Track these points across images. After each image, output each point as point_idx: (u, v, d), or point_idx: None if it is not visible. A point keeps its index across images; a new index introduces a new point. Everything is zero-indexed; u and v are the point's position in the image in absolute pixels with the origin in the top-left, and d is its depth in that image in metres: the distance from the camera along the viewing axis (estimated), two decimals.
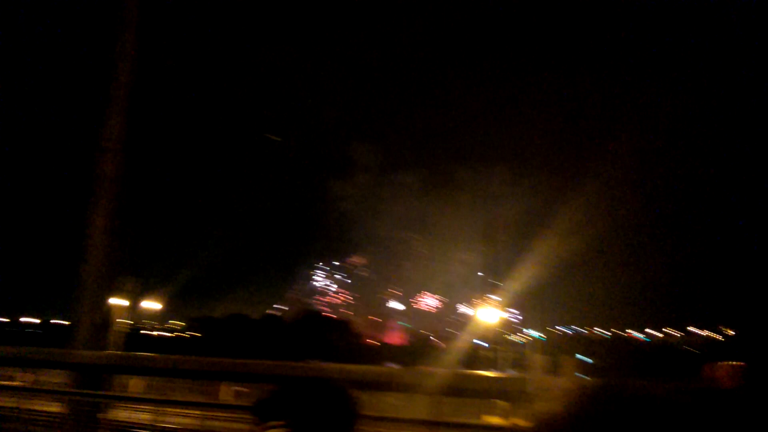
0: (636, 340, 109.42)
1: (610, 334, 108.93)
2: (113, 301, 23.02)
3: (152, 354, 2.79)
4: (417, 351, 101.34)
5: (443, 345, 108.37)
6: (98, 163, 6.98)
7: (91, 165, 7.03)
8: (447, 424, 2.51)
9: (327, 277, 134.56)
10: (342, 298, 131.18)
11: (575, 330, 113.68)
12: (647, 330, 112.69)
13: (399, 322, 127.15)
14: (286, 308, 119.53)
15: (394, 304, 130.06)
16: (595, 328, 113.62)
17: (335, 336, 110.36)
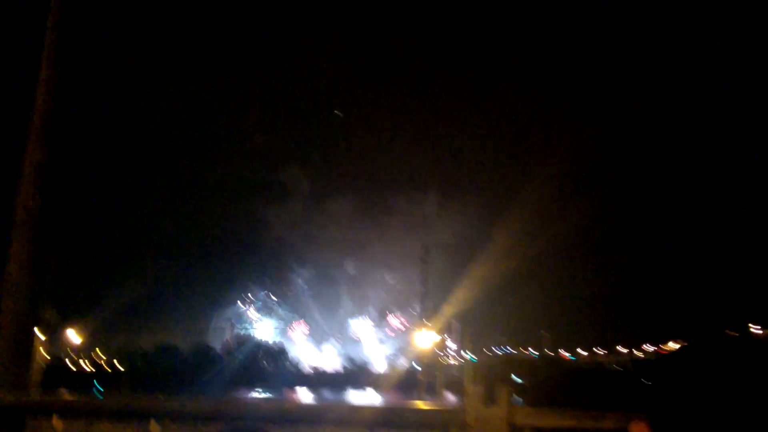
0: (565, 359, 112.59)
1: (537, 354, 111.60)
2: (36, 333, 21.82)
3: (68, 398, 2.64)
4: (353, 376, 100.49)
5: (379, 370, 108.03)
6: (19, 193, 6.68)
7: (11, 195, 6.72)
8: None
9: (259, 304, 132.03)
10: (273, 325, 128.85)
11: (506, 351, 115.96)
12: (578, 350, 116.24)
13: (336, 347, 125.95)
14: (224, 334, 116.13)
15: (330, 328, 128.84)
16: (530, 349, 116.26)
17: (270, 363, 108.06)
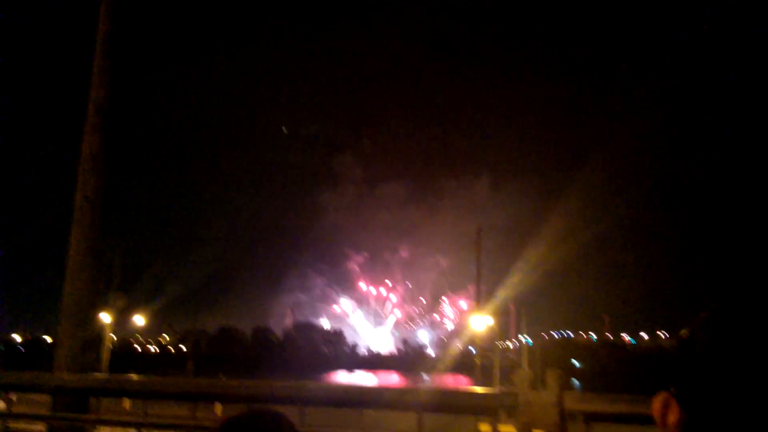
0: (626, 343, 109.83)
1: (596, 337, 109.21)
2: (102, 317, 22.79)
3: (132, 376, 2.74)
4: (411, 360, 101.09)
5: (436, 354, 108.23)
6: (80, 182, 6.92)
7: (73, 182, 6.98)
8: None
9: (317, 288, 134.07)
10: (336, 309, 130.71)
11: (565, 334, 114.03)
12: (641, 333, 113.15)
13: (395, 332, 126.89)
14: (284, 320, 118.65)
15: (390, 313, 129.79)
16: (590, 333, 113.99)
17: (329, 348, 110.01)
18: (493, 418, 2.26)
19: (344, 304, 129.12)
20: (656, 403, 0.76)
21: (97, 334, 7.08)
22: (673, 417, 0.71)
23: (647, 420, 1.95)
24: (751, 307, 0.69)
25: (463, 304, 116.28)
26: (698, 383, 0.67)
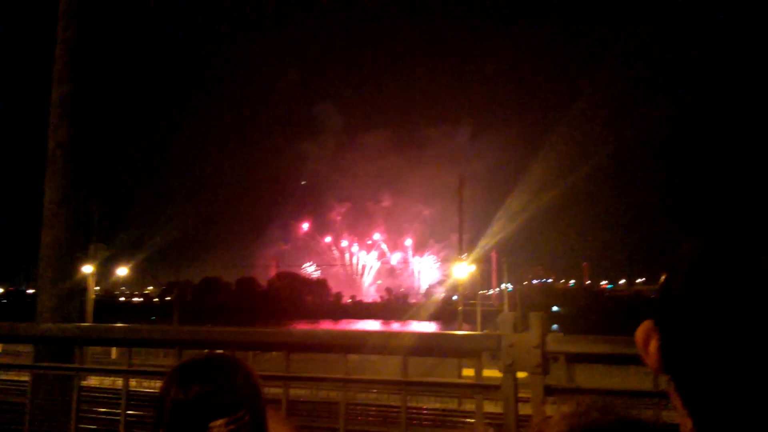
0: (603, 288, 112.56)
1: (573, 282, 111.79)
2: (84, 267, 22.72)
3: (116, 325, 2.75)
4: (393, 307, 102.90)
5: (419, 300, 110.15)
6: (51, 129, 6.73)
7: (45, 131, 6.77)
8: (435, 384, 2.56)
9: (300, 237, 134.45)
10: (319, 262, 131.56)
11: (545, 281, 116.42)
12: (620, 281, 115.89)
13: (378, 281, 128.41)
14: (269, 270, 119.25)
15: (369, 261, 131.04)
16: (571, 281, 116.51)
17: (313, 297, 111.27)
18: (477, 362, 2.28)
19: (327, 255, 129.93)
20: (639, 331, 0.77)
21: (78, 284, 7.03)
22: (654, 344, 0.74)
23: (626, 360, 1.99)
24: (722, 247, 0.71)
25: (445, 252, 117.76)
26: (675, 315, 0.71)
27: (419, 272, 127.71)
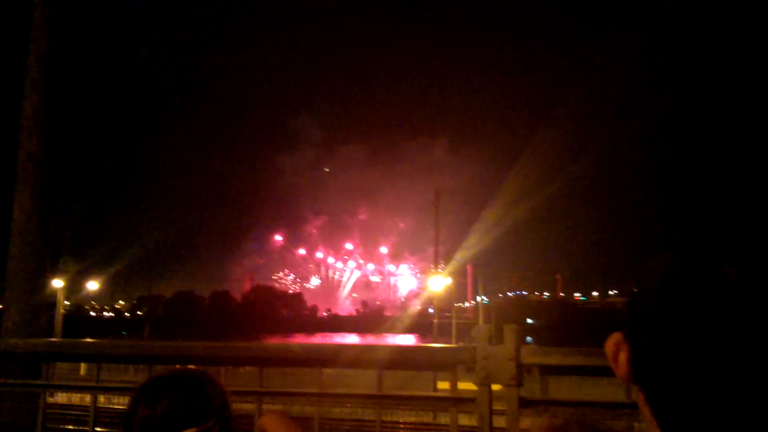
0: (577, 301, 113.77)
1: (548, 295, 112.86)
2: (54, 281, 22.23)
3: (85, 340, 2.68)
4: (369, 321, 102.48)
5: (395, 314, 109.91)
6: (22, 140, 6.60)
7: (15, 144, 6.64)
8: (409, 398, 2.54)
9: (276, 251, 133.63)
10: (291, 273, 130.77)
11: (520, 294, 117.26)
12: (593, 293, 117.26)
13: (353, 294, 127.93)
14: (243, 284, 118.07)
15: (344, 274, 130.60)
16: (545, 293, 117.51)
17: (288, 311, 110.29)
18: (452, 375, 2.28)
19: (303, 268, 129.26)
20: (609, 342, 0.78)
21: (47, 298, 6.88)
22: (623, 356, 0.75)
23: (599, 371, 2.01)
24: (690, 261, 0.71)
25: (421, 265, 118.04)
26: (645, 327, 0.72)
27: (395, 285, 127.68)
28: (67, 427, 12.24)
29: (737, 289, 0.66)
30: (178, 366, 1.41)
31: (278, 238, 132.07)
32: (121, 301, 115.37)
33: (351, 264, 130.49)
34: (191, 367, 1.44)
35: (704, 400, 0.65)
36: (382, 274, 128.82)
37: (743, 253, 0.69)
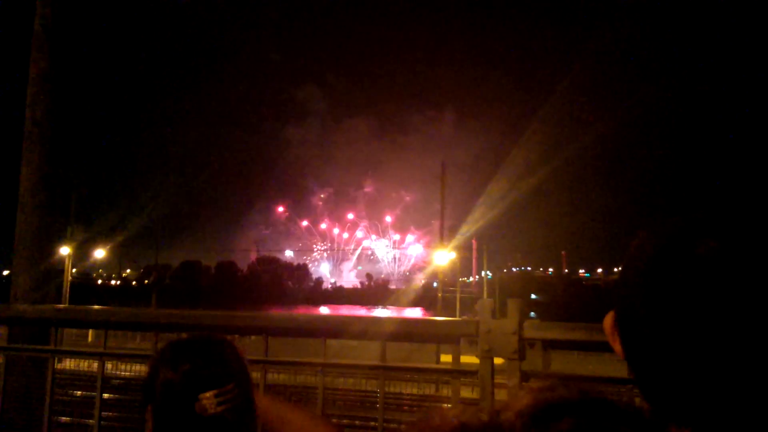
0: (581, 277, 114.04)
1: (552, 271, 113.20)
2: (61, 249, 22.43)
3: (89, 307, 2.71)
4: (374, 294, 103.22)
5: (399, 287, 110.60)
6: (28, 107, 6.58)
7: (21, 108, 6.63)
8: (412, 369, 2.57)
9: (282, 223, 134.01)
10: (299, 246, 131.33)
11: (524, 269, 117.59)
12: (598, 270, 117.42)
13: (359, 267, 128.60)
14: (249, 255, 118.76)
15: (350, 247, 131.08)
16: (550, 270, 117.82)
17: (293, 283, 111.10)
18: (455, 348, 2.30)
19: (309, 240, 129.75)
20: (607, 320, 0.81)
21: (55, 266, 6.94)
22: (617, 332, 0.78)
23: (602, 347, 2.02)
24: (674, 237, 0.72)
25: (426, 239, 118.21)
26: (631, 307, 0.74)
27: (400, 258, 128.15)
28: (75, 393, 12.48)
29: (709, 264, 0.68)
30: (198, 332, 1.44)
31: (283, 209, 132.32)
32: (128, 270, 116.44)
33: (356, 236, 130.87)
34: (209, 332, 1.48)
35: (690, 375, 0.67)
36: (388, 246, 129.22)
37: (717, 229, 0.70)
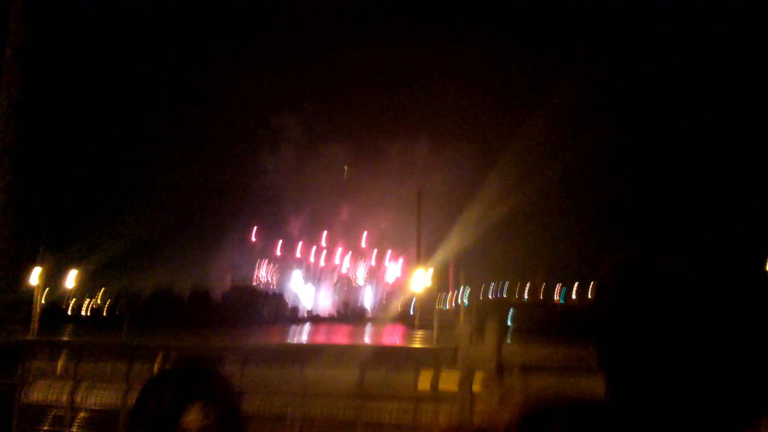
0: (555, 302, 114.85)
1: (527, 297, 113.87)
2: (31, 278, 21.92)
3: (63, 337, 2.62)
4: (350, 322, 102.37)
5: (376, 313, 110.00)
6: None
7: None
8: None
9: (255, 251, 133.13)
10: (271, 271, 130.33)
11: (499, 295, 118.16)
12: (572, 292, 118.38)
13: (334, 295, 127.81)
14: (224, 282, 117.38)
15: (327, 274, 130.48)
16: (525, 294, 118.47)
17: (266, 309, 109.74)
18: (433, 375, 2.31)
19: (284, 268, 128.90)
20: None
21: (25, 295, 6.80)
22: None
23: (577, 368, 2.04)
24: (639, 261, 0.78)
25: (402, 264, 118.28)
26: (606, 328, 0.77)
27: (376, 284, 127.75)
28: (42, 428, 12.08)
29: (673, 278, 0.72)
30: (182, 359, 1.49)
31: (254, 238, 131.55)
32: (99, 299, 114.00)
33: (333, 263, 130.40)
34: (201, 360, 1.53)
35: (660, 386, 0.70)
36: (365, 271, 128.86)
37: (683, 244, 0.75)
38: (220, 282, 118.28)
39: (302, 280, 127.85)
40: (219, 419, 1.34)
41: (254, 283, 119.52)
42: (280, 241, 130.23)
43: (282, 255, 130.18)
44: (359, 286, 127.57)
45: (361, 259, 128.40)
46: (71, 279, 43.61)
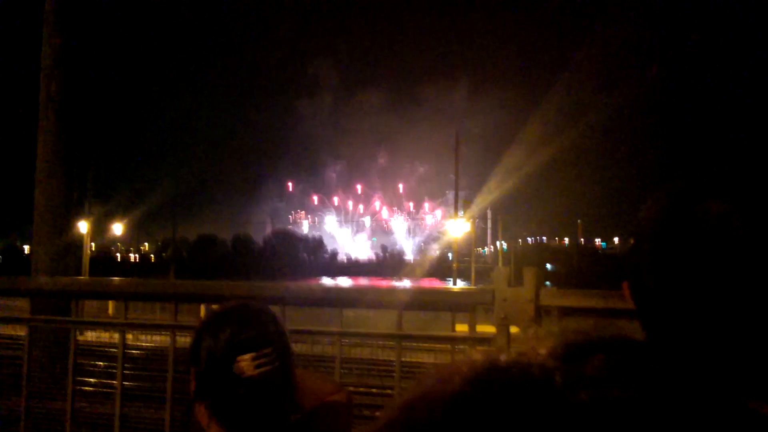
0: (597, 247, 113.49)
1: (566, 242, 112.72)
2: (79, 224, 22.72)
3: (108, 278, 2.73)
4: (389, 265, 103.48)
5: (415, 259, 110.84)
6: (43, 84, 6.58)
7: (36, 88, 6.62)
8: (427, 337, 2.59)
9: (296, 197, 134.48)
10: (311, 217, 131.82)
11: (540, 239, 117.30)
12: (614, 239, 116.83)
13: (373, 239, 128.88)
14: (265, 228, 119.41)
15: (363, 220, 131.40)
16: (566, 238, 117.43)
17: (309, 255, 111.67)
18: (471, 317, 2.30)
19: (323, 213, 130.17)
20: (625, 287, 0.81)
21: (74, 240, 7.04)
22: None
23: (618, 313, 2.01)
24: (678, 203, 0.72)
25: (441, 210, 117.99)
26: (643, 276, 0.74)
27: (415, 229, 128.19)
28: (98, 363, 12.72)
29: (713, 225, 0.67)
30: (236, 300, 1.54)
31: (295, 182, 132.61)
32: (146, 244, 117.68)
33: (371, 208, 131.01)
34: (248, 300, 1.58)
35: (695, 334, 0.67)
36: (402, 216, 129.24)
37: (719, 190, 0.70)
38: (261, 226, 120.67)
39: (337, 225, 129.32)
40: (273, 360, 1.38)
41: (296, 231, 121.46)
42: (319, 189, 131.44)
43: (319, 203, 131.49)
44: (398, 231, 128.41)
45: (397, 207, 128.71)
46: (118, 225, 45.10)
